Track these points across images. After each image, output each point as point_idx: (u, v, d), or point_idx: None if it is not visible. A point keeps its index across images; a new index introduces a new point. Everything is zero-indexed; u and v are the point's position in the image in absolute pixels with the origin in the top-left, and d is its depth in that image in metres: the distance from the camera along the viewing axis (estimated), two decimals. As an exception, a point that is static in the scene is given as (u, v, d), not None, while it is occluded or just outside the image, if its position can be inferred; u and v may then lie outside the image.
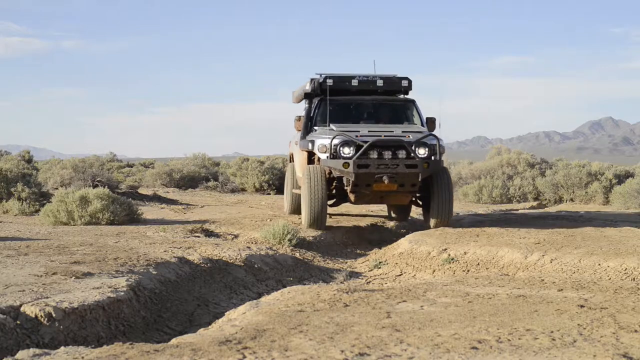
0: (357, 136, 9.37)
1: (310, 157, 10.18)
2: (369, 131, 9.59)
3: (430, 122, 10.49)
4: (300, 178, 10.57)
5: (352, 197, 9.69)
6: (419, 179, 9.27)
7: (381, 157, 9.23)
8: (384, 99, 10.79)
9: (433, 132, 9.93)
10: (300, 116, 10.68)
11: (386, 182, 9.14)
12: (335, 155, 9.34)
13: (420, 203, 10.35)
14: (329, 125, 9.99)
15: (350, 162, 9.15)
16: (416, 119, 10.61)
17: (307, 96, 10.88)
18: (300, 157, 10.58)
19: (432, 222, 9.77)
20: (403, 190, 9.46)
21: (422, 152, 9.32)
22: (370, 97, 10.67)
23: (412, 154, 9.25)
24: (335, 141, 9.37)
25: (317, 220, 9.63)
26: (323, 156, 9.51)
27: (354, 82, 10.46)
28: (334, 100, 10.36)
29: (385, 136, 9.44)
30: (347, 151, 9.28)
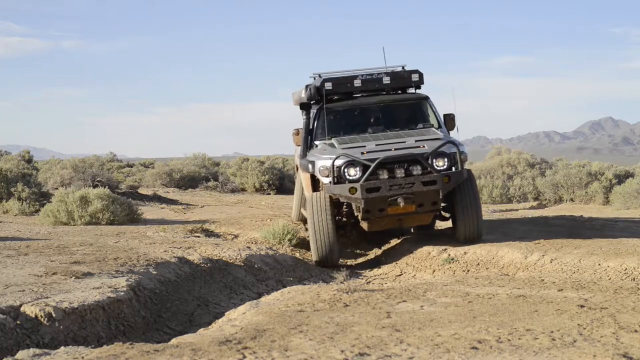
0: (362, 153, 8.11)
1: (314, 178, 8.70)
2: (376, 144, 8.34)
3: (449, 120, 9.22)
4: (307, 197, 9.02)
5: (364, 225, 8.52)
6: (440, 196, 7.96)
7: (393, 176, 7.95)
8: (393, 99, 9.37)
9: (451, 138, 8.59)
10: (298, 129, 9.34)
11: (402, 204, 7.86)
12: (339, 179, 8.03)
13: (447, 215, 8.90)
14: (329, 139, 8.80)
15: (357, 186, 7.84)
16: (432, 118, 9.28)
17: (304, 106, 9.20)
18: (304, 177, 9.10)
19: (460, 237, 8.49)
20: (423, 210, 8.14)
21: (440, 164, 8.06)
22: (376, 99, 9.29)
23: (428, 168, 7.98)
24: (338, 162, 8.04)
25: (327, 259, 8.33)
26: (326, 181, 8.16)
27: (357, 83, 9.14)
28: (335, 107, 9.15)
29: (395, 149, 8.15)
30: (352, 173, 7.98)
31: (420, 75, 9.32)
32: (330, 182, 8.06)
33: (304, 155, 8.95)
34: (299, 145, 9.36)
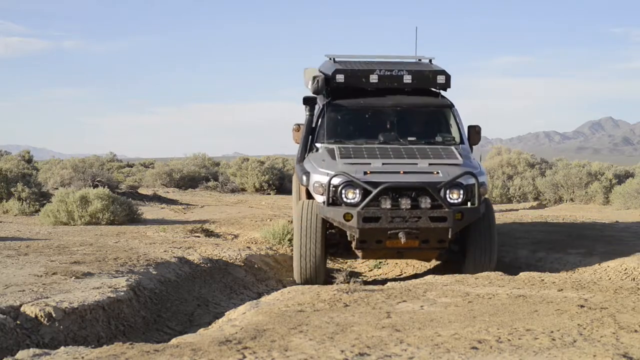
0: (365, 172, 6.91)
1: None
2: (383, 163, 7.09)
3: (475, 133, 8.05)
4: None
5: (358, 253, 7.34)
6: (449, 235, 6.79)
7: (397, 206, 6.72)
8: (412, 103, 8.05)
9: (471, 166, 7.22)
10: (299, 125, 8.15)
11: (403, 240, 6.70)
12: (334, 200, 6.84)
13: (456, 249, 7.52)
14: (332, 142, 7.68)
15: (354, 212, 6.67)
16: (454, 130, 7.98)
17: (307, 101, 7.85)
18: (301, 189, 7.95)
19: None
20: (428, 247, 7.01)
21: (454, 196, 6.84)
22: (392, 101, 8.01)
23: (439, 202, 6.71)
24: (335, 181, 6.84)
25: (311, 282, 7.02)
26: (319, 199, 7.01)
27: (373, 78, 7.98)
28: (344, 105, 8.01)
29: (404, 172, 6.96)
30: (350, 196, 6.81)
31: (447, 77, 8.09)
32: (324, 201, 6.90)
33: (301, 158, 7.70)
34: (298, 143, 8.06)
